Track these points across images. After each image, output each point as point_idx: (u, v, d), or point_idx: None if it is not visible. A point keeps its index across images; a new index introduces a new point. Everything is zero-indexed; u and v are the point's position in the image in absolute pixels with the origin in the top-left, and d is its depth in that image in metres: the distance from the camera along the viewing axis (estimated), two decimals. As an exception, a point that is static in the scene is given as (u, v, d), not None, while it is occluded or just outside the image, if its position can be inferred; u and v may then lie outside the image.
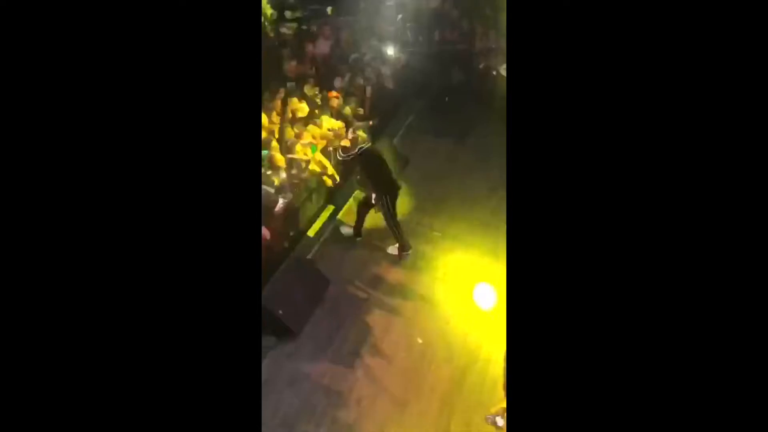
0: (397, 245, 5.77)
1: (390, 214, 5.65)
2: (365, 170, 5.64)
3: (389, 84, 7.92)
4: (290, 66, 7.19)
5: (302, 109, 6.61)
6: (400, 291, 5.46)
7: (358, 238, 6.00)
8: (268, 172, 5.64)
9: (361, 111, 7.29)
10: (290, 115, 6.50)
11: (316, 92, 6.96)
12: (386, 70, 7.92)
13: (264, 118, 6.21)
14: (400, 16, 8.93)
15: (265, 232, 5.18)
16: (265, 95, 6.48)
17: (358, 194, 6.31)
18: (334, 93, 7.06)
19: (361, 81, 7.51)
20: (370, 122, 6.56)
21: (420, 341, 4.93)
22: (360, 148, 5.51)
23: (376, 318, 5.15)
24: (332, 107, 6.93)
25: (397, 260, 5.78)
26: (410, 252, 5.79)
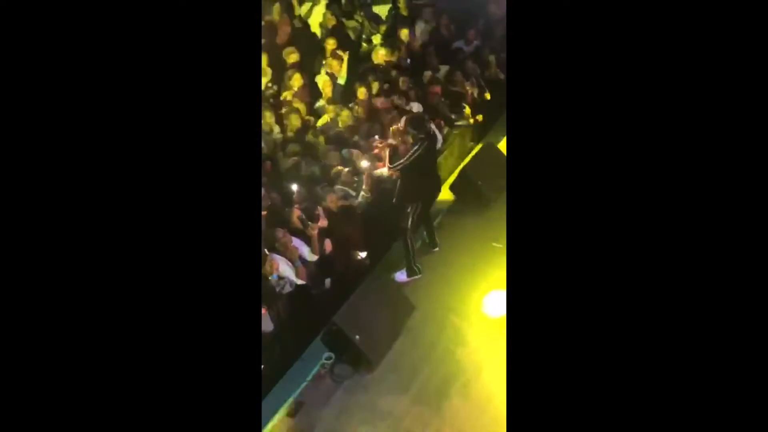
0: (405, 269, 5.21)
1: (412, 225, 5.10)
2: (406, 170, 5.02)
3: (499, 76, 7.35)
4: (379, 54, 6.96)
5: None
6: (501, 324, 4.89)
7: (435, 249, 5.55)
8: (346, 169, 5.55)
9: (467, 108, 6.88)
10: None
11: (410, 86, 6.70)
12: (494, 60, 7.35)
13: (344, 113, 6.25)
14: None
15: (327, 244, 5.04)
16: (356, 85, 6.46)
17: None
18: (436, 88, 6.78)
19: (460, 74, 7.08)
20: (428, 118, 5.99)
21: (521, 387, 4.32)
22: (411, 154, 4.93)
23: (470, 354, 4.69)
24: (429, 103, 6.66)
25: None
26: (419, 277, 5.22)
